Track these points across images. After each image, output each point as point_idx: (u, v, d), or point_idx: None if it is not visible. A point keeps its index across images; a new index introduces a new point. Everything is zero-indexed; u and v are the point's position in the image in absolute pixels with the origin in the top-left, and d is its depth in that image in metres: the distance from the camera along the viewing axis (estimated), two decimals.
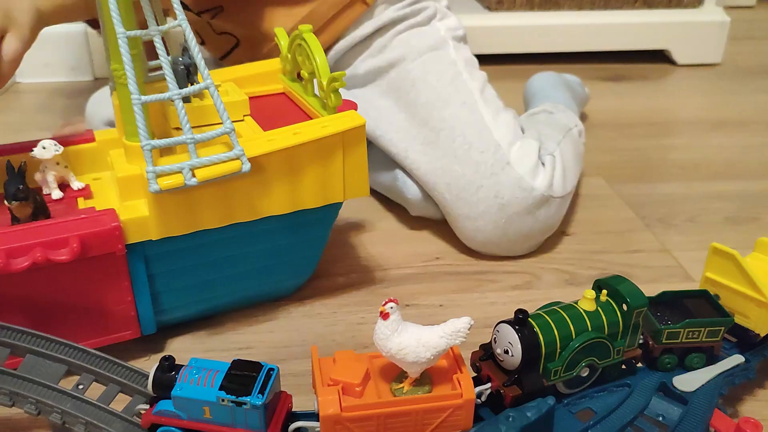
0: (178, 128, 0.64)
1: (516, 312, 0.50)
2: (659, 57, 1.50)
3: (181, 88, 0.58)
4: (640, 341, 0.55)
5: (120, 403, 0.51)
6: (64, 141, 0.68)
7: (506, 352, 0.50)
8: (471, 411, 0.47)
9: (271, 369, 0.47)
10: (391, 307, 0.45)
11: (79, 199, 0.65)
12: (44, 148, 0.64)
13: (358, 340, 0.69)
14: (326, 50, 0.86)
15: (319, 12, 0.85)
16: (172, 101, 0.58)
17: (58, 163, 0.65)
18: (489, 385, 0.51)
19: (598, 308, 0.52)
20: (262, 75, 0.77)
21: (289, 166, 0.63)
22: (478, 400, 0.51)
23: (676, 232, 0.88)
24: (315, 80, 0.70)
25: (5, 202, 0.59)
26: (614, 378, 0.55)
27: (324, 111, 0.68)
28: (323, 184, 0.65)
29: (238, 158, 0.60)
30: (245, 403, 0.45)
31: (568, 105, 1.02)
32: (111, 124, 0.93)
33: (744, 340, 0.59)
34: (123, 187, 0.62)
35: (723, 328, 0.55)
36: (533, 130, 0.85)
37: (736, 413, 0.60)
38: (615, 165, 1.04)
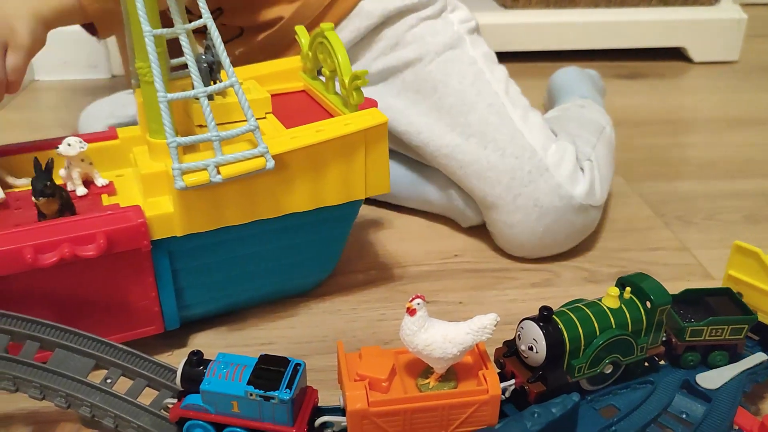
0: (201, 126, 0.65)
1: (540, 309, 0.50)
2: (676, 54, 1.49)
3: (205, 85, 0.59)
4: (663, 339, 0.56)
5: (147, 397, 0.52)
6: (87, 138, 0.69)
7: (531, 348, 0.50)
8: (496, 407, 0.47)
9: (298, 364, 0.48)
10: (418, 304, 0.46)
11: (102, 195, 0.66)
12: (69, 145, 0.64)
13: (378, 336, 0.69)
14: None
15: (311, 1, 0.83)
16: (196, 99, 0.58)
17: (83, 160, 0.66)
18: (513, 381, 0.51)
19: (622, 305, 0.53)
20: (283, 73, 0.77)
21: (312, 163, 0.63)
22: (502, 396, 0.51)
23: (696, 230, 0.88)
24: (336, 78, 0.70)
25: (32, 198, 0.60)
26: (637, 375, 0.55)
27: (346, 109, 0.68)
28: (345, 182, 0.66)
29: (262, 155, 0.60)
30: (273, 398, 0.46)
31: (594, 99, 1.01)
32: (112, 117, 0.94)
33: (767, 337, 0.59)
34: (147, 184, 0.63)
35: (746, 326, 0.55)
36: (566, 132, 0.84)
37: (758, 411, 0.60)
38: (633, 163, 1.04)
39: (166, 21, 0.60)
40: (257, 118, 0.69)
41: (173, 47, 0.66)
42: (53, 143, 0.66)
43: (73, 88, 1.33)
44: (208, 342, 0.68)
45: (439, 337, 0.46)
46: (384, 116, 0.66)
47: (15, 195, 0.65)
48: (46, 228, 0.58)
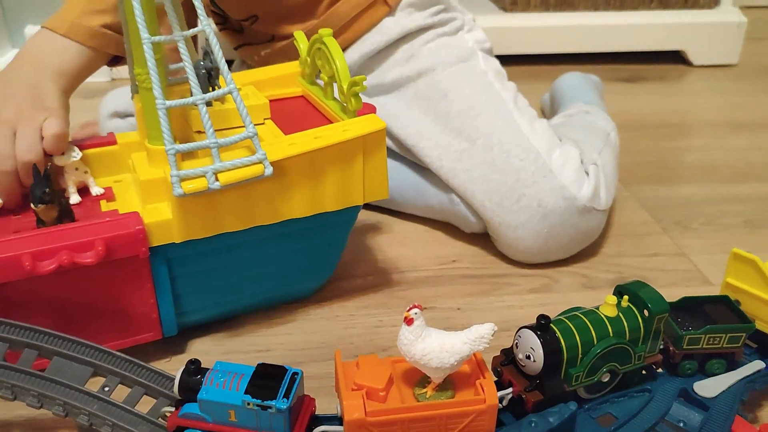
0: (199, 132, 0.65)
1: (538, 317, 0.50)
2: (675, 58, 1.49)
3: (203, 92, 0.59)
4: (661, 347, 0.55)
5: (145, 405, 0.52)
6: (86, 144, 0.69)
7: (528, 357, 0.50)
8: (494, 416, 0.47)
9: (296, 373, 0.48)
10: (416, 313, 0.46)
11: (101, 201, 0.66)
12: (63, 154, 0.64)
13: (376, 343, 0.69)
14: (349, 52, 0.87)
15: (340, 12, 0.85)
16: (195, 106, 0.58)
17: (77, 169, 0.66)
18: (510, 390, 0.51)
19: (620, 314, 0.53)
20: (281, 78, 0.77)
21: (310, 169, 0.64)
22: (500, 405, 0.51)
23: (694, 235, 0.88)
24: (334, 83, 0.70)
25: (31, 205, 0.60)
26: (635, 383, 0.55)
27: (344, 115, 0.68)
28: (343, 187, 0.66)
29: (260, 162, 0.60)
30: (270, 407, 0.46)
31: (598, 105, 1.01)
32: (117, 115, 0.94)
33: (765, 345, 0.58)
34: (146, 191, 0.63)
35: (744, 334, 0.55)
36: (571, 138, 0.84)
37: (756, 419, 0.60)
38: (631, 167, 1.04)
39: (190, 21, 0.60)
40: (256, 124, 0.69)
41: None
42: None
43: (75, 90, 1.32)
44: (205, 348, 0.68)
45: (437, 346, 0.46)
46: (382, 122, 0.66)
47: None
48: (45, 235, 0.58)
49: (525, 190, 0.76)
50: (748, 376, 0.56)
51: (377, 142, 0.66)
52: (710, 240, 0.87)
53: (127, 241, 0.59)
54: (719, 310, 0.58)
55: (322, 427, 0.48)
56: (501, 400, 0.51)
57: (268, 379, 0.47)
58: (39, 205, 0.59)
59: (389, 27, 0.86)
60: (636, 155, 1.09)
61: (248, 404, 0.46)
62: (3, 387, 0.51)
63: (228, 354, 0.67)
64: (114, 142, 0.71)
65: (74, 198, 0.66)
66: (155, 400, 0.52)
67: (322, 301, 0.74)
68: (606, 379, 0.53)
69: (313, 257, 0.70)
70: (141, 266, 0.61)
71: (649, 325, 0.53)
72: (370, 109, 0.70)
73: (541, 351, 0.49)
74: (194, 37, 0.67)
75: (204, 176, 0.59)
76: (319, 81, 0.75)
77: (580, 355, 0.51)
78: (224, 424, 0.47)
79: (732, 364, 0.56)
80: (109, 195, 0.67)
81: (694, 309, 0.58)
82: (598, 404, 0.53)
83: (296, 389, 0.47)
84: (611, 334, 0.52)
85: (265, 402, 0.46)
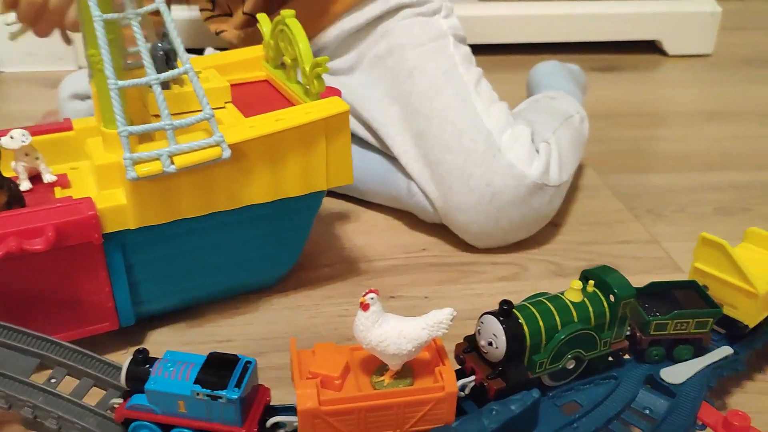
0: (157, 115, 0.62)
1: (501, 303, 0.49)
2: (651, 47, 1.49)
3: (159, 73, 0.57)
4: (628, 333, 0.54)
5: (94, 397, 0.50)
6: (40, 130, 0.66)
7: (490, 344, 0.49)
8: (453, 404, 0.46)
9: (249, 362, 0.46)
10: (372, 298, 0.44)
11: (56, 188, 0.64)
12: (12, 138, 0.62)
13: (341, 332, 0.67)
14: (330, 29, 0.86)
15: None
16: (150, 87, 0.56)
17: (27, 154, 0.63)
18: (473, 377, 0.50)
19: (585, 299, 0.51)
20: (245, 62, 0.75)
21: (270, 153, 0.62)
22: (462, 393, 0.50)
23: (666, 223, 0.87)
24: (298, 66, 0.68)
25: None
26: (601, 370, 0.53)
27: (307, 98, 0.66)
28: (306, 172, 0.64)
29: (218, 145, 0.58)
30: (221, 397, 0.44)
31: (571, 92, 1.00)
32: (77, 97, 0.91)
33: (733, 331, 0.58)
34: (101, 176, 0.60)
35: (711, 320, 0.54)
36: (526, 118, 0.84)
37: (724, 405, 0.59)
38: (604, 155, 1.03)
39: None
40: (216, 108, 0.67)
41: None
42: (2, 135, 0.64)
43: (39, 79, 1.29)
44: (164, 339, 0.66)
45: (394, 332, 0.44)
46: (345, 105, 0.64)
47: None
48: None
49: (474, 170, 0.75)
50: (715, 362, 0.55)
51: (340, 125, 0.64)
52: (682, 228, 0.86)
53: (80, 227, 0.57)
54: (687, 295, 0.57)
55: (277, 418, 0.47)
56: (463, 388, 0.50)
57: (219, 369, 0.45)
58: None
59: (372, 5, 0.84)
60: (610, 144, 1.08)
61: (198, 394, 0.44)
62: None
63: (187, 345, 0.65)
64: (70, 128, 0.68)
65: (25, 184, 0.63)
66: (105, 392, 0.50)
67: (286, 291, 0.73)
68: (571, 366, 0.51)
69: (276, 245, 0.68)
70: (95, 253, 0.59)
71: (614, 310, 0.52)
72: (335, 92, 0.68)
73: (504, 337, 0.48)
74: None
75: (159, 159, 0.57)
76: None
77: (544, 342, 0.49)
78: (174, 415, 0.45)
79: (700, 350, 0.55)
80: (63, 182, 0.65)
81: (661, 294, 0.57)
82: (562, 392, 0.52)
83: (249, 379, 0.45)
84: (576, 320, 0.50)
85: (215, 392, 0.44)
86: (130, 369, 0.46)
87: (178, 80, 0.65)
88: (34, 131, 0.65)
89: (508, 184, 0.75)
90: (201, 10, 0.95)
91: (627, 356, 0.55)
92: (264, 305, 0.71)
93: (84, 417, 0.48)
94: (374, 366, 0.47)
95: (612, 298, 0.52)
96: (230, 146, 0.59)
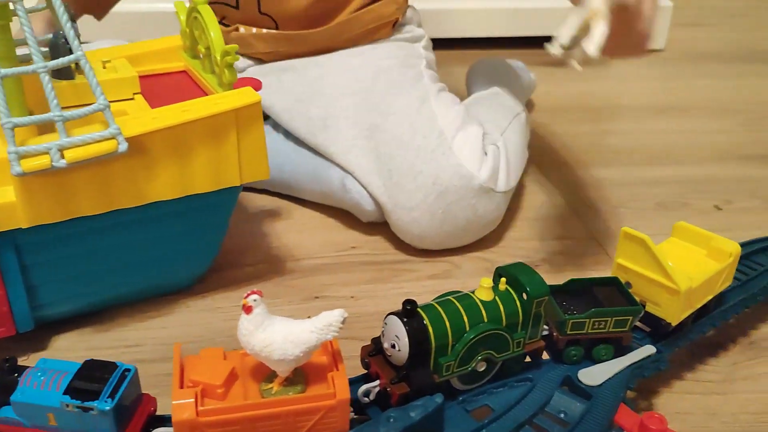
0: (68, 107, 0.59)
1: (404, 303, 0.46)
2: None
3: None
4: (545, 333, 0.52)
5: None
6: None
7: (393, 346, 0.46)
8: (346, 412, 0.43)
9: (127, 370, 0.43)
10: (255, 300, 0.41)
11: None
12: None
13: None
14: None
15: (362, 19, 0.84)
16: (38, 75, 0.52)
17: None
18: (377, 382, 0.47)
19: (496, 298, 0.49)
20: (162, 52, 0.72)
21: (175, 146, 0.58)
22: (366, 399, 0.47)
23: (605, 218, 0.85)
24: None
25: None
26: (517, 372, 0.51)
27: (220, 88, 0.63)
28: (216, 167, 0.61)
29: (113, 137, 0.54)
30: (92, 409, 0.40)
31: (512, 91, 0.98)
32: None
33: (657, 329, 0.55)
34: None
35: (631, 318, 0.52)
36: (477, 117, 0.82)
37: (651, 406, 0.57)
38: (548, 150, 1.01)
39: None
40: (123, 99, 0.64)
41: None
42: None
43: None
44: (68, 345, 0.62)
45: (279, 336, 0.41)
46: (257, 95, 0.61)
47: None
48: None
49: (423, 167, 0.73)
50: (636, 363, 0.53)
51: (252, 116, 0.61)
52: (621, 223, 0.84)
53: None
54: (608, 292, 0.54)
55: (161, 429, 0.43)
56: (367, 393, 0.47)
57: (92, 378, 0.41)
58: None
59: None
60: (553, 138, 1.06)
61: (67, 406, 0.41)
62: None
63: (93, 350, 0.62)
64: None
65: None
66: None
67: (205, 292, 0.69)
68: (482, 369, 0.49)
69: (188, 244, 0.64)
70: None
71: (528, 309, 0.49)
72: (252, 83, 0.65)
73: (407, 339, 0.45)
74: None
75: (48, 153, 0.53)
76: None
77: (450, 343, 0.47)
78: (44, 428, 0.42)
79: (620, 350, 0.53)
80: None
81: (582, 292, 0.54)
82: (474, 396, 0.49)
83: (125, 388, 0.42)
84: (486, 320, 0.48)
85: (85, 403, 0.40)
86: None
87: (81, 71, 0.61)
88: None
89: (455, 184, 0.72)
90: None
91: (546, 357, 0.53)
92: (180, 308, 0.67)
93: None
94: (265, 373, 0.44)
95: (525, 296, 0.49)
96: (130, 139, 0.55)
